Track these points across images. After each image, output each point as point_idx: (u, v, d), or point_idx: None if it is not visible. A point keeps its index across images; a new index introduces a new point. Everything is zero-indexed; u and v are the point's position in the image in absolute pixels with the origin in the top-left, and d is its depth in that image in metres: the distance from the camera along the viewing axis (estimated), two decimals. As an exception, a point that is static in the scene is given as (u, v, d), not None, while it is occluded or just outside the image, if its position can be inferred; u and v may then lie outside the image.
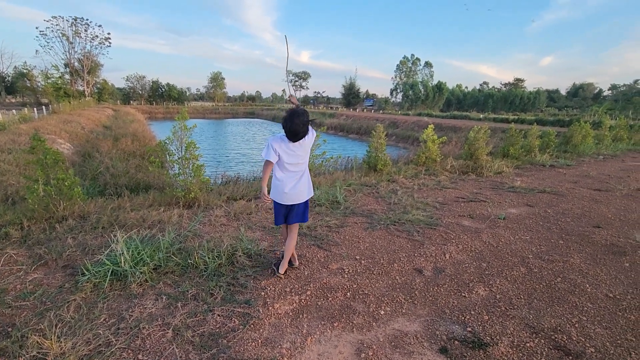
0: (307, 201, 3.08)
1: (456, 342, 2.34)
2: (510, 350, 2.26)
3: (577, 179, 7.83)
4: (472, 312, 2.68)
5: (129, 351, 2.14)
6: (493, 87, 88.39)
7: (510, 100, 72.15)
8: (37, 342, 2.09)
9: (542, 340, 2.36)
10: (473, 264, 3.52)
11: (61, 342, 2.11)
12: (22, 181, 6.14)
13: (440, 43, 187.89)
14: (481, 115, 38.70)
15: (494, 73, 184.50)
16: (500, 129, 21.45)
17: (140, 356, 2.10)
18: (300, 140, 2.81)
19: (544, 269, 3.42)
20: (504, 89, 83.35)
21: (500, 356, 2.20)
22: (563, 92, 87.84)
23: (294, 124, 2.68)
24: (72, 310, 2.51)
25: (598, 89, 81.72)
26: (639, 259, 3.67)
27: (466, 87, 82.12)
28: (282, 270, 3.11)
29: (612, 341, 2.37)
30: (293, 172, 2.93)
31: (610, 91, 77.44)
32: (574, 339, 2.38)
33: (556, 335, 2.41)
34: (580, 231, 4.45)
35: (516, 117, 33.95)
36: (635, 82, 54.82)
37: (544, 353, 2.24)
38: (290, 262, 3.30)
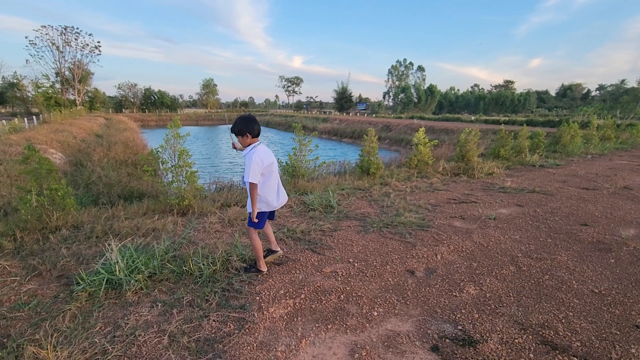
0: None
1: (447, 340, 2.40)
2: (500, 346, 2.32)
3: (565, 178, 7.99)
4: (463, 311, 2.74)
5: (126, 359, 2.16)
6: (483, 89, 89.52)
7: (501, 102, 73.21)
8: (34, 352, 2.11)
9: (530, 336, 2.43)
10: (464, 264, 3.59)
11: (57, 352, 2.12)
12: (14, 192, 6.11)
13: (431, 47, 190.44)
14: (472, 117, 39.18)
15: (485, 75, 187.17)
16: (492, 130, 21.73)
17: (136, 363, 2.12)
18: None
19: (532, 267, 3.50)
20: (495, 90, 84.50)
21: (489, 353, 2.26)
22: (552, 93, 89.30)
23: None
24: (68, 320, 2.52)
25: (586, 89, 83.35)
26: (624, 255, 3.78)
27: (458, 90, 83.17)
28: (264, 267, 3.31)
29: (598, 335, 2.44)
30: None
31: (598, 91, 78.90)
32: (561, 333, 2.45)
33: (544, 331, 2.48)
34: (568, 229, 4.56)
35: (507, 118, 34.44)
36: (622, 81, 55.91)
37: (532, 348, 2.30)
38: (273, 250, 3.46)
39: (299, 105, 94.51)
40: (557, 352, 2.28)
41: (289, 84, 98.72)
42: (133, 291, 2.90)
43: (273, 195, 3.11)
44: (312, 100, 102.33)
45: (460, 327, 2.54)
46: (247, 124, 2.92)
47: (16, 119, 22.13)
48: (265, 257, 3.39)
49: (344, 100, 74.27)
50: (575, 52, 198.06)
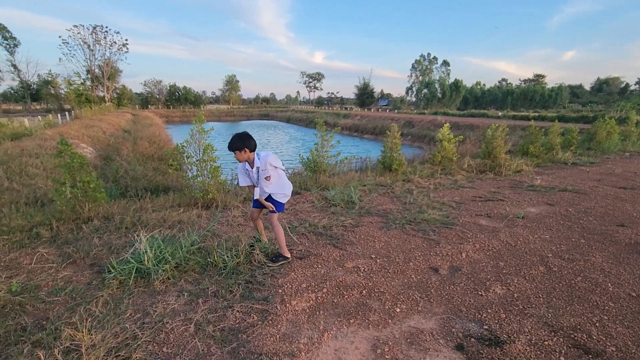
0: None
1: (472, 339, 2.34)
2: (528, 348, 2.24)
3: (600, 177, 7.60)
4: (489, 311, 2.67)
5: (154, 344, 2.24)
6: (511, 84, 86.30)
7: (530, 97, 70.37)
8: (70, 334, 2.22)
9: (561, 339, 2.33)
10: (490, 263, 3.49)
11: (92, 335, 2.23)
12: (50, 184, 6.44)
13: (456, 40, 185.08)
14: (500, 113, 37.85)
15: (513, 69, 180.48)
16: (520, 126, 20.96)
17: (165, 349, 2.20)
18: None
19: (564, 268, 3.36)
20: (524, 85, 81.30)
21: (517, 354, 2.19)
22: (587, 87, 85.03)
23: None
24: (101, 306, 2.64)
25: (624, 83, 78.71)
26: (665, 258, 3.55)
27: (484, 85, 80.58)
28: (288, 253, 3.49)
29: (635, 340, 2.32)
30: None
31: (637, 85, 74.42)
32: (594, 337, 2.34)
33: (576, 334, 2.37)
34: (603, 230, 4.34)
35: (537, 114, 33.03)
36: (664, 74, 52.33)
37: (563, 351, 2.21)
38: (260, 239, 3.62)
39: (319, 101, 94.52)
40: (591, 356, 2.17)
41: (310, 80, 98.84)
42: (160, 280, 3.00)
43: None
44: (333, 96, 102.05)
45: (486, 327, 2.47)
46: (243, 141, 3.11)
47: (50, 115, 23.34)
48: (251, 245, 3.57)
49: (365, 96, 73.61)
50: (612, 43, 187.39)
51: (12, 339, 2.27)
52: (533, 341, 2.31)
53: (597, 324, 2.49)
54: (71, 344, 2.16)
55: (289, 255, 3.46)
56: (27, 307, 2.64)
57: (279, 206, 3.39)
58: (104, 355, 2.08)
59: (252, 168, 3.22)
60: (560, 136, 10.73)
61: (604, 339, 2.33)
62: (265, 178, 3.24)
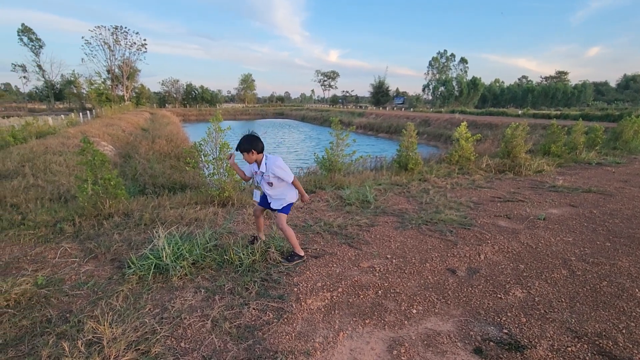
0: None
1: (491, 343, 2.28)
2: (550, 353, 2.17)
3: (627, 177, 7.30)
4: (509, 314, 2.60)
5: (172, 339, 2.28)
6: (532, 81, 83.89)
7: (551, 95, 68.28)
8: (93, 327, 2.28)
9: (585, 345, 2.25)
10: (510, 265, 3.40)
11: (113, 328, 2.28)
12: (72, 181, 6.64)
13: (474, 37, 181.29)
14: (520, 111, 36.88)
15: (534, 66, 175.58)
16: (541, 125, 20.39)
17: (182, 344, 2.23)
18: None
19: (588, 272, 3.24)
20: (545, 82, 78.96)
21: (538, 359, 2.13)
22: (612, 84, 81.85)
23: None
24: (121, 300, 2.70)
25: (652, 79, 75.35)
26: (698, 264, 3.38)
27: (503, 82, 78.64)
28: (302, 252, 3.49)
29: (666, 350, 2.21)
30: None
31: (666, 82, 71.18)
32: (621, 344, 2.25)
33: (601, 341, 2.29)
34: (630, 233, 4.17)
35: (559, 112, 32.03)
36: (696, 71, 49.85)
37: (587, 358, 2.13)
38: (257, 237, 3.66)
39: (334, 100, 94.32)
40: (618, 364, 2.09)
41: (325, 79, 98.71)
42: (178, 276, 3.05)
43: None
44: (347, 94, 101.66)
45: (505, 331, 2.41)
46: (251, 143, 3.11)
47: (72, 114, 24.11)
48: (251, 242, 3.63)
49: (380, 94, 72.98)
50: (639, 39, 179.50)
51: (38, 330, 2.35)
52: (555, 347, 2.24)
53: (624, 331, 2.39)
54: (93, 337, 2.22)
55: (302, 254, 3.46)
56: (52, 299, 2.73)
57: (285, 209, 3.34)
58: (124, 349, 2.13)
59: (258, 169, 3.23)
60: (584, 135, 10.37)
61: (631, 346, 2.24)
62: (268, 183, 3.25)
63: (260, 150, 3.18)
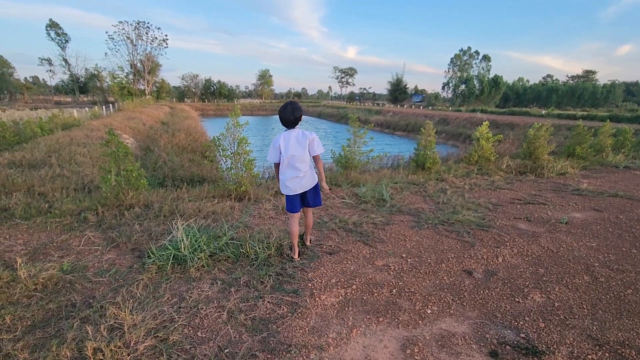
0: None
1: (507, 347, 2.24)
2: (570, 361, 2.12)
3: (656, 182, 6.99)
4: (527, 319, 2.54)
5: (190, 328, 2.34)
6: (557, 80, 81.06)
7: (578, 95, 65.78)
8: (114, 313, 2.37)
9: (607, 354, 2.18)
10: (529, 269, 3.32)
11: (133, 315, 2.36)
12: (96, 172, 6.86)
13: (496, 33, 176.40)
14: (543, 111, 35.72)
15: (560, 65, 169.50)
16: (565, 126, 19.72)
17: (199, 333, 2.29)
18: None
19: (611, 279, 3.13)
20: (571, 82, 76.16)
21: (557, 366, 2.08)
22: (643, 84, 78.20)
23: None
24: (141, 288, 2.79)
25: (687, 80, 71.52)
26: None
27: (527, 81, 76.25)
28: (295, 255, 3.43)
29: (694, 363, 2.12)
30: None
31: (702, 82, 67.47)
32: (646, 356, 2.17)
33: (623, 350, 2.21)
34: (658, 240, 4.00)
35: (585, 113, 30.84)
36: None
37: (609, 368, 2.07)
38: (304, 243, 3.65)
39: (351, 97, 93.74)
40: (641, 375, 2.02)
41: (343, 75, 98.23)
42: (196, 268, 3.12)
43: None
44: (365, 91, 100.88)
45: (523, 335, 2.36)
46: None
47: (96, 107, 24.85)
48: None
49: (398, 92, 72.08)
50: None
51: (63, 313, 2.46)
52: (575, 354, 2.18)
53: (649, 341, 2.31)
54: (115, 322, 2.31)
55: (294, 256, 3.43)
56: (77, 285, 2.84)
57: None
58: (144, 335, 2.20)
59: None
60: (612, 137, 9.97)
61: (657, 357, 2.16)
62: None
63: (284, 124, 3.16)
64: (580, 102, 64.09)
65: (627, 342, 2.29)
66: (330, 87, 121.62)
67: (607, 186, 6.57)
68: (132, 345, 2.11)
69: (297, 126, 3.17)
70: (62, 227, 4.06)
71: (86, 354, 1.99)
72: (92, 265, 3.21)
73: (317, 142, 3.15)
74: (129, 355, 2.04)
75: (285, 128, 3.18)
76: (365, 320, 2.50)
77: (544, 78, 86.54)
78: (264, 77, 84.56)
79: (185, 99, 68.20)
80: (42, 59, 58.60)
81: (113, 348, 2.05)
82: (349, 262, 3.38)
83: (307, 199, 3.31)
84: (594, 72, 78.41)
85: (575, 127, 9.84)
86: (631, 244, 3.90)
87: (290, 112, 3.06)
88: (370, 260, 3.44)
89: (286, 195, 3.27)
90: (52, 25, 53.85)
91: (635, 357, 2.16)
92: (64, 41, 55.18)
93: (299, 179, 3.16)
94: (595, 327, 2.46)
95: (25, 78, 69.27)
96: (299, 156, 3.10)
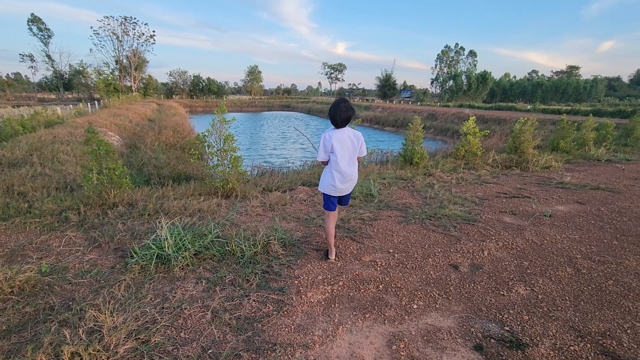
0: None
1: (492, 340, 2.26)
2: (552, 352, 2.15)
3: (637, 175, 7.16)
4: (511, 312, 2.57)
5: (172, 329, 2.29)
6: (543, 75, 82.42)
7: (562, 90, 66.96)
8: (94, 315, 2.30)
9: (588, 345, 2.22)
10: (514, 262, 3.36)
11: (114, 317, 2.30)
12: (79, 170, 6.69)
13: (485, 30, 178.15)
14: (529, 106, 36.32)
15: (545, 61, 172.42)
16: (550, 120, 20.07)
17: (182, 334, 2.24)
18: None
19: (593, 271, 3.19)
20: (555, 77, 77.51)
21: (540, 358, 2.10)
22: (625, 79, 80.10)
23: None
24: (123, 289, 2.72)
25: (667, 75, 73.53)
26: None
27: (514, 77, 77.27)
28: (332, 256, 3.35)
29: (671, 351, 2.17)
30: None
31: (681, 78, 69.44)
32: (625, 345, 2.21)
33: (604, 340, 2.25)
34: (638, 231, 4.09)
35: (569, 107, 31.45)
36: None
37: (590, 358, 2.10)
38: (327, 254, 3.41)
39: (340, 93, 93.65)
40: (621, 365, 2.06)
41: (332, 71, 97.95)
42: (180, 267, 3.06)
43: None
44: (354, 87, 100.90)
45: (507, 328, 2.38)
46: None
47: (81, 104, 24.27)
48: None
49: (387, 87, 72.32)
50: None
51: (41, 317, 2.38)
52: (558, 345, 2.21)
53: (629, 331, 2.35)
54: (94, 325, 2.24)
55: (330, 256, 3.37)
56: (55, 287, 2.76)
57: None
58: (124, 337, 2.15)
59: None
60: (595, 131, 10.17)
61: (636, 346, 2.20)
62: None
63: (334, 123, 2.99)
64: (564, 97, 65.27)
65: (608, 333, 2.34)
66: (319, 83, 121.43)
67: (589, 179, 6.70)
68: (112, 348, 2.06)
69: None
70: (42, 228, 3.94)
71: (63, 359, 1.93)
72: (72, 266, 3.12)
73: (364, 143, 3.08)
74: (108, 358, 1.99)
75: (333, 127, 3.01)
76: (352, 316, 2.49)
77: (529, 74, 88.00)
78: (253, 73, 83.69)
79: (174, 96, 67.09)
80: (23, 55, 56.80)
81: (92, 352, 2.00)
82: (336, 259, 3.36)
83: (344, 199, 3.28)
84: (577, 68, 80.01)
85: (559, 121, 10.01)
86: (612, 236, 3.98)
87: (344, 111, 2.90)
88: (358, 256, 3.43)
89: (327, 195, 3.17)
90: (34, 20, 52.16)
91: (615, 347, 2.20)
92: (46, 36, 53.52)
93: (351, 182, 3.11)
94: (577, 319, 2.49)
95: (7, 75, 67.03)
96: (354, 158, 3.05)
